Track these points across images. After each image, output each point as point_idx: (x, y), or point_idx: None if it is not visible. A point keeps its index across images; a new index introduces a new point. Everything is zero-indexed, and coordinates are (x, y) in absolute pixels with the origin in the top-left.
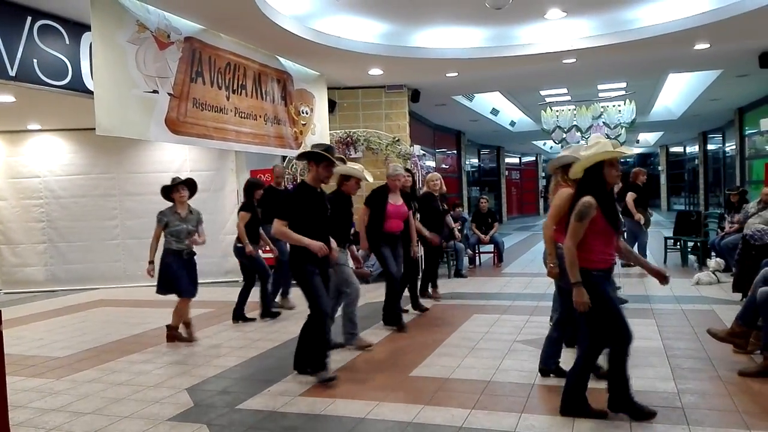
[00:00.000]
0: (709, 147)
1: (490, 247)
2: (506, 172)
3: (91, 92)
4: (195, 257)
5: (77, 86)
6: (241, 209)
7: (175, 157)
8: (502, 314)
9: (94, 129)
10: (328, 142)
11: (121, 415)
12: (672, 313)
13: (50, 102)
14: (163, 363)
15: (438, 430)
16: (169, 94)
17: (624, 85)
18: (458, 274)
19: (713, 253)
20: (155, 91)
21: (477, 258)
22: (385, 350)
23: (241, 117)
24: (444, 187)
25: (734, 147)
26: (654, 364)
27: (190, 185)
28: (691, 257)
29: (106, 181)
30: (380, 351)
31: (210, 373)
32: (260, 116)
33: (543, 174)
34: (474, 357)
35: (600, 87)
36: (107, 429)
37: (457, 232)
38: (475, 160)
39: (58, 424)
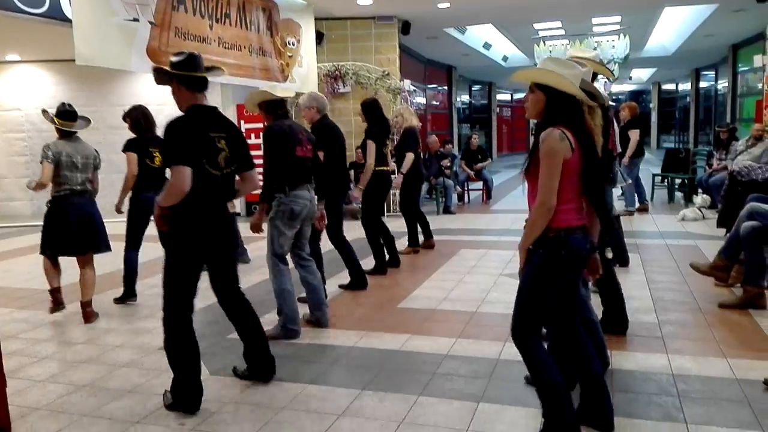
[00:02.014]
0: (702, 84)
1: (479, 185)
2: (497, 109)
3: (70, 21)
4: None
5: (55, 14)
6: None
7: (159, 89)
8: (489, 249)
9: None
10: (315, 76)
11: (112, 344)
12: (656, 248)
13: (29, 31)
14: (152, 294)
15: (424, 358)
16: (150, 22)
17: (619, 19)
18: (447, 210)
19: (700, 190)
20: (135, 20)
21: (466, 195)
22: (373, 284)
23: (225, 48)
24: (409, 123)
25: (726, 84)
26: (637, 296)
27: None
28: (678, 194)
29: (90, 114)
30: (368, 285)
31: (199, 305)
32: (245, 47)
33: None
34: (460, 289)
35: (594, 21)
36: (100, 358)
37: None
38: (466, 97)
39: (51, 353)
